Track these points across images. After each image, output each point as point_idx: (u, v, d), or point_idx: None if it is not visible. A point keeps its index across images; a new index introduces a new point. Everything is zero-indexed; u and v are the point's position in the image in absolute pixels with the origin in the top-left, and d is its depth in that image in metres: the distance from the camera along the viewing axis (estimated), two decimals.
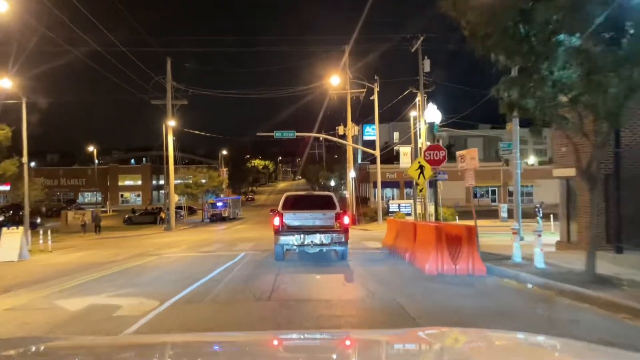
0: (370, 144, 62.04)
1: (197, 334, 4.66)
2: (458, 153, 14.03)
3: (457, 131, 79.71)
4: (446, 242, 11.64)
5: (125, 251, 20.41)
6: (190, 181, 49.46)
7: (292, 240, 14.28)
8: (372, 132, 55.40)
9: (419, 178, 19.04)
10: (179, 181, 52.39)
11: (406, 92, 34.71)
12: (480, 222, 29.03)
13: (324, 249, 14.71)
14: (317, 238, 14.17)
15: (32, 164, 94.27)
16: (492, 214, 45.49)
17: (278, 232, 14.43)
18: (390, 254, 16.24)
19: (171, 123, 40.09)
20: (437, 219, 17.99)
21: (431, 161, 17.65)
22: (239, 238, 26.74)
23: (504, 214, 34.42)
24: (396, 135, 70.15)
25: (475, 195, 58.14)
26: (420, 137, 34.17)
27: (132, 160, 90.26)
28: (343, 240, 14.33)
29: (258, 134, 36.26)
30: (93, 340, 3.05)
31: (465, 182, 14.09)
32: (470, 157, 13.53)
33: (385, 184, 58.07)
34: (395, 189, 57.59)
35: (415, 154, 34.41)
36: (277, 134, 35.31)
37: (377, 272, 12.06)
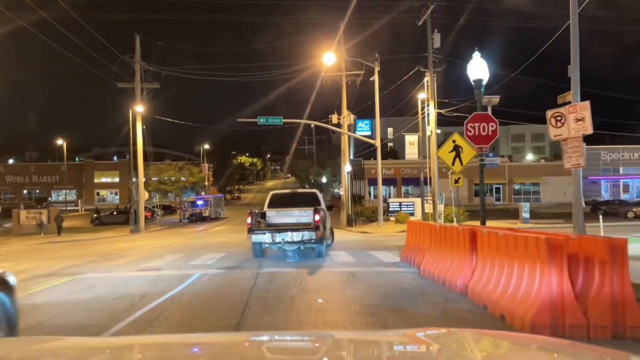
0: (364, 145, 56.20)
1: (182, 335, 4.09)
2: (550, 113, 8.20)
3: (451, 128, 74.65)
4: (568, 271, 5.83)
5: (43, 265, 14.39)
6: (165, 176, 43.26)
7: (264, 238, 13.71)
8: (365, 127, 49.82)
9: (453, 164, 13.25)
10: (156, 178, 46.40)
11: (412, 72, 28.97)
12: (498, 224, 23.38)
13: (301, 246, 14.19)
14: (289, 235, 13.49)
15: (10, 161, 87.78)
16: (505, 214, 39.94)
17: (249, 230, 13.93)
18: (422, 277, 10.40)
19: (139, 108, 34.01)
20: (483, 222, 12.21)
21: (476, 137, 11.83)
22: (210, 244, 20.82)
23: (525, 214, 28.75)
24: (390, 130, 64.60)
25: (476, 194, 52.59)
26: (429, 124, 28.48)
27: (115, 157, 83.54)
28: (314, 237, 13.46)
29: (239, 119, 30.31)
30: (68, 341, 2.57)
31: (564, 161, 8.31)
32: (574, 118, 7.73)
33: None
34: (392, 187, 51.81)
35: (424, 143, 28.67)
36: (261, 120, 29.43)
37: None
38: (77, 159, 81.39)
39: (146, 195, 37.78)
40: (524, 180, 51.73)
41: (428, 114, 28.59)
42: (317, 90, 37.49)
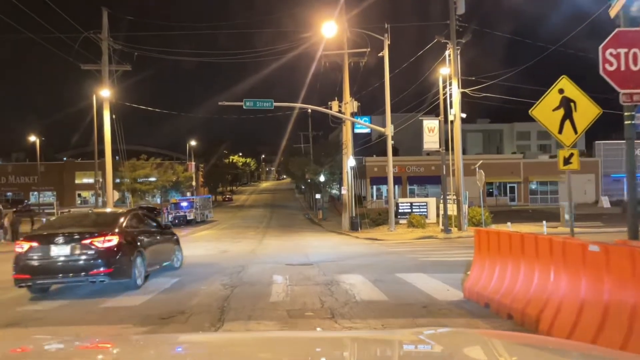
0: (361, 137, 50.47)
1: (175, 335, 4.20)
2: None
3: (472, 125, 69.27)
4: None
5: None
6: (140, 174, 37.41)
7: None
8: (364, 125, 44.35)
9: (560, 130, 7.50)
10: (141, 179, 40.58)
11: (431, 44, 23.29)
12: (531, 228, 17.87)
13: None
14: None
15: None
16: (531, 216, 34.25)
17: None
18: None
19: (105, 93, 28.17)
20: (634, 233, 6.53)
21: (621, 75, 6.10)
22: None
23: (568, 216, 22.92)
24: (391, 128, 58.89)
25: (491, 194, 46.97)
26: (452, 108, 22.78)
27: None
28: None
29: (220, 103, 24.42)
30: (59, 340, 2.59)
31: None
32: None
33: (382, 180, 46.71)
34: (396, 186, 46.10)
35: (446, 129, 22.92)
36: (248, 103, 23.69)
37: None
38: (64, 158, 75.29)
39: (116, 195, 31.94)
40: (541, 178, 46.10)
41: (451, 95, 22.90)
42: (314, 74, 31.76)
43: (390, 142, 25.36)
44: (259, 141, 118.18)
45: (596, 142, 47.58)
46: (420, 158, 48.43)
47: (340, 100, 29.51)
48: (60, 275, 8.37)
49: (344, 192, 29.48)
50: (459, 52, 22.70)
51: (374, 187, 47.37)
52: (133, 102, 32.31)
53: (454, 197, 22.85)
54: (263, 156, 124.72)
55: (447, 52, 22.67)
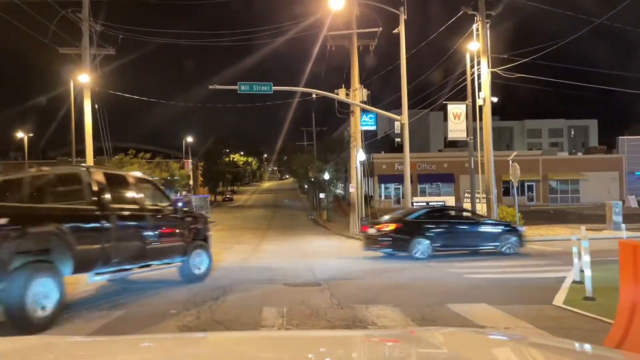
0: (365, 134, 46.84)
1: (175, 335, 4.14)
2: None
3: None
4: None
5: None
6: (131, 168, 33.84)
7: None
8: (369, 121, 40.85)
9: None
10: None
11: (457, 16, 19.75)
12: (568, 231, 14.46)
13: None
14: None
15: None
16: (557, 216, 30.74)
17: None
18: None
19: (84, 78, 24.73)
20: None
21: None
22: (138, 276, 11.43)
23: (617, 217, 19.34)
24: (397, 125, 55.27)
25: (507, 192, 43.35)
26: (480, 90, 19.24)
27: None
28: None
29: (211, 86, 20.83)
30: (60, 340, 2.44)
31: None
32: None
33: (391, 178, 43.30)
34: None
35: (474, 114, 19.34)
36: (243, 87, 20.22)
37: None
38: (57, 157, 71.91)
39: None
40: (561, 176, 42.44)
41: (479, 76, 19.38)
42: (318, 61, 28.30)
43: (407, 133, 21.87)
44: (261, 141, 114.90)
45: (619, 137, 43.93)
46: (431, 155, 45.00)
47: (348, 88, 26.07)
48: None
49: (352, 189, 25.96)
50: (488, 26, 19.21)
51: (382, 185, 43.88)
52: (121, 94, 28.78)
53: (483, 195, 19.33)
54: (265, 156, 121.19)
55: (474, 26, 19.17)
